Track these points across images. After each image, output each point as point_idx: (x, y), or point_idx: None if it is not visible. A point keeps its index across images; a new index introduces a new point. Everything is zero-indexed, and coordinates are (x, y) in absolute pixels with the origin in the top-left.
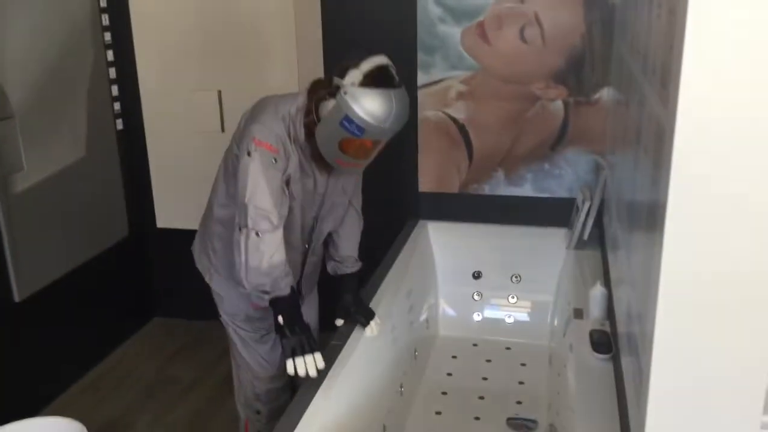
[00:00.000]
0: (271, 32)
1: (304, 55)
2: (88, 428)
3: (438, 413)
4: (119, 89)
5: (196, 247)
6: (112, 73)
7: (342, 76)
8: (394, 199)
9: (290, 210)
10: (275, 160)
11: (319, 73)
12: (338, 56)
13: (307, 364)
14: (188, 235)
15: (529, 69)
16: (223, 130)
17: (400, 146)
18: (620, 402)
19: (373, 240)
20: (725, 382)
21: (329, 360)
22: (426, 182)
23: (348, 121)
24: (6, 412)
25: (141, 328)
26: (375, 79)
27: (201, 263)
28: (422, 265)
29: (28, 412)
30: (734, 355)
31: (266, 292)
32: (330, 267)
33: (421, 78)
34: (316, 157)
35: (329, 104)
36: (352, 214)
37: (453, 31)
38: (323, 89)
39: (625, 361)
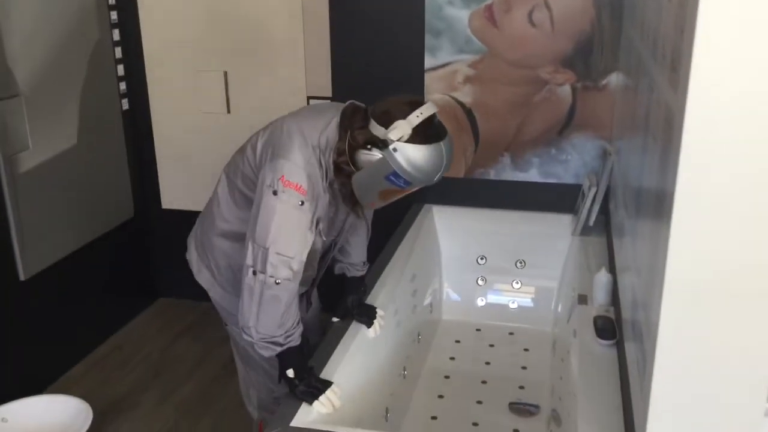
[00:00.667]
0: (278, 12)
1: (311, 36)
2: (93, 407)
3: (440, 397)
4: (125, 69)
5: (194, 258)
6: (118, 52)
7: (386, 125)
8: None
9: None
10: (303, 202)
11: (325, 54)
12: (345, 37)
13: (326, 404)
14: (193, 216)
15: (538, 53)
16: (228, 111)
17: None
18: (623, 388)
19: (378, 224)
20: (729, 369)
21: (333, 342)
22: None
23: (395, 176)
24: (12, 391)
25: (146, 308)
26: (426, 135)
27: (202, 277)
28: (427, 250)
29: (33, 391)
30: (739, 343)
31: (279, 344)
32: (337, 267)
33: (428, 61)
34: (346, 197)
35: (373, 155)
36: (362, 224)
37: (461, 14)
38: (359, 131)
39: (629, 348)
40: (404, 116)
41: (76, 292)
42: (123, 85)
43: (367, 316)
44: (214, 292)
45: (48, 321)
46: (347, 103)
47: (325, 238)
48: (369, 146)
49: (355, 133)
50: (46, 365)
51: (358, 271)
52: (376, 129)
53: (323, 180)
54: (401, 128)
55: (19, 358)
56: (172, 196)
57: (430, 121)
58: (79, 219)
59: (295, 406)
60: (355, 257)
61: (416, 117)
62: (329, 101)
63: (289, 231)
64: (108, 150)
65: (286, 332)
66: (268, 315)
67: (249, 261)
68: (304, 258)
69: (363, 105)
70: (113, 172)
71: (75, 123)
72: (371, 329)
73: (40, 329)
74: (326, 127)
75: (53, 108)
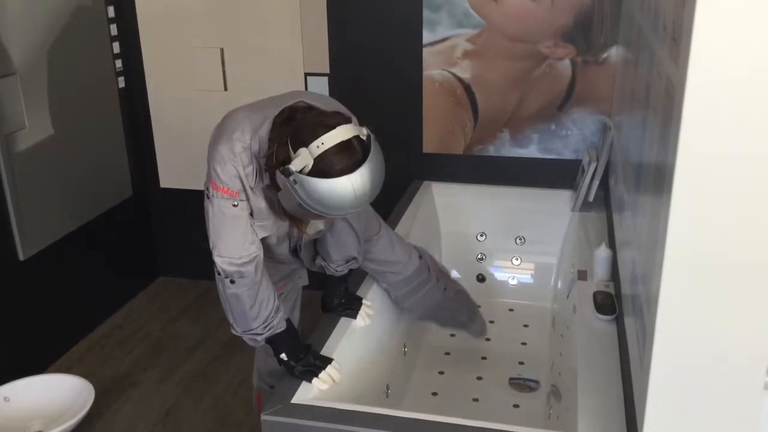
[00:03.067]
0: None
1: (308, 11)
2: (93, 386)
3: (441, 373)
4: (121, 46)
5: None
6: (114, 30)
7: (295, 148)
8: (398, 160)
9: (266, 244)
10: (235, 204)
11: (322, 30)
12: (342, 12)
13: (326, 380)
14: (191, 195)
15: (537, 27)
16: (225, 88)
17: (404, 106)
18: (623, 363)
19: (376, 201)
20: (729, 342)
21: (333, 320)
22: (430, 143)
23: (307, 205)
24: (13, 370)
25: (146, 287)
26: (329, 166)
27: None
28: (426, 227)
29: (34, 370)
30: (739, 316)
31: (259, 334)
32: (317, 262)
33: (426, 36)
34: (280, 210)
35: (282, 178)
36: (343, 227)
37: None
38: (281, 147)
39: (629, 323)
40: (308, 145)
41: (75, 272)
42: (119, 63)
43: (352, 308)
44: None
45: (48, 301)
46: (293, 100)
47: (275, 241)
48: (281, 168)
49: (276, 150)
50: (46, 345)
51: (336, 271)
52: (288, 151)
53: (257, 181)
54: (303, 158)
55: (20, 338)
56: (170, 175)
57: (342, 148)
58: (77, 198)
59: (295, 384)
60: (333, 256)
61: (317, 147)
62: (294, 91)
63: (225, 233)
64: (105, 129)
65: (263, 323)
66: (237, 311)
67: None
68: (252, 255)
69: (307, 105)
70: (110, 150)
71: (71, 102)
72: (359, 319)
73: (40, 309)
74: (260, 128)
75: (49, 87)
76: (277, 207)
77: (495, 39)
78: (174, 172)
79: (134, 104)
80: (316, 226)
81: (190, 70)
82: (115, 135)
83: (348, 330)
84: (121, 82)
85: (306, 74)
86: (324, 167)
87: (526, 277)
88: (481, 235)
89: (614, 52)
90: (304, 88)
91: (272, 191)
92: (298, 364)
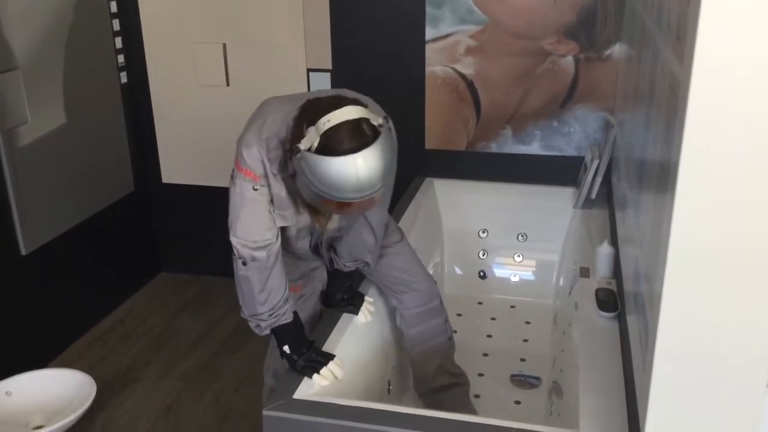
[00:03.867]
0: None
1: (310, 6)
2: (95, 380)
3: None
4: (123, 41)
5: None
6: (116, 24)
7: (306, 127)
8: (401, 157)
9: (287, 236)
10: (256, 188)
11: (325, 26)
12: (345, 7)
13: (327, 376)
14: (193, 191)
15: (540, 23)
16: (228, 83)
17: (407, 103)
18: (625, 360)
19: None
20: (732, 340)
21: (334, 316)
22: (433, 139)
23: (313, 185)
24: (15, 365)
25: (148, 282)
26: (333, 143)
27: None
28: (428, 223)
29: (36, 365)
30: (742, 314)
31: (263, 320)
32: (328, 253)
33: (429, 32)
34: (300, 198)
35: (294, 159)
36: (361, 224)
37: None
38: (296, 129)
39: (631, 320)
40: (315, 123)
41: (77, 267)
42: (121, 59)
43: (354, 304)
44: None
45: (49, 295)
46: (328, 92)
47: (294, 233)
48: (289, 154)
49: (293, 132)
50: (48, 339)
51: (345, 266)
52: (301, 133)
53: (280, 169)
54: (310, 135)
55: (22, 333)
56: (172, 170)
57: (349, 128)
58: (79, 193)
59: (297, 380)
60: (346, 252)
61: (324, 123)
62: (336, 89)
63: (243, 215)
64: (107, 123)
65: (270, 310)
66: (246, 294)
67: None
68: (267, 241)
69: (334, 96)
70: (112, 145)
71: (74, 96)
72: (360, 316)
73: (42, 304)
74: (288, 116)
75: (52, 81)
76: (297, 196)
77: (498, 35)
78: (176, 168)
79: (136, 99)
80: (335, 222)
81: (192, 65)
82: (117, 130)
83: (350, 326)
84: (124, 78)
85: (308, 70)
86: (328, 144)
87: (527, 274)
88: (483, 232)
89: (617, 49)
90: (306, 85)
91: (294, 180)
92: (300, 359)
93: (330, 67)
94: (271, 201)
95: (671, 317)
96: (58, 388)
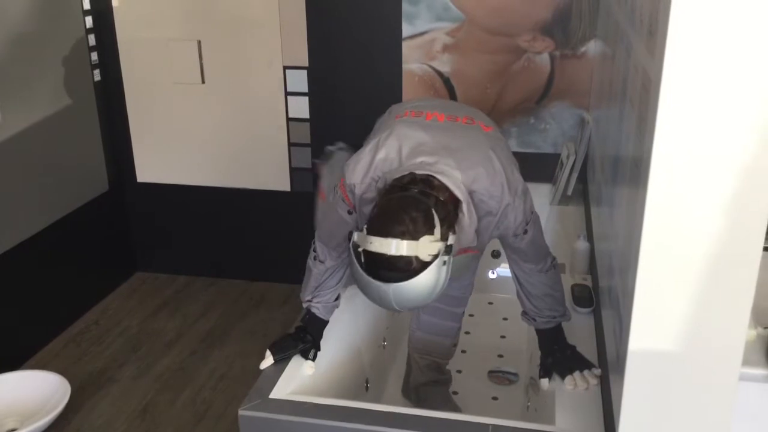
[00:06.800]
0: None
1: (286, 4)
2: (70, 382)
3: None
4: (96, 39)
5: None
6: (89, 22)
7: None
8: None
9: None
10: (349, 212)
11: (301, 23)
12: (321, 4)
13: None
14: (169, 190)
15: (516, 21)
16: (203, 81)
17: (384, 100)
18: (600, 355)
19: None
20: (705, 334)
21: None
22: None
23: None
24: None
25: (123, 282)
26: (365, 260)
27: None
28: None
29: (9, 367)
30: (715, 309)
31: (306, 301)
32: None
33: (406, 29)
34: None
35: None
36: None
37: None
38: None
39: (606, 315)
40: (367, 231)
41: (50, 268)
42: (94, 56)
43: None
44: None
45: (23, 297)
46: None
47: None
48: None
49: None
50: (22, 341)
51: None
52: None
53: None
54: (360, 238)
55: None
56: (148, 169)
57: (372, 257)
58: (51, 193)
59: (273, 379)
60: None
61: (364, 240)
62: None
63: (326, 220)
64: (80, 122)
65: (312, 299)
66: (306, 279)
67: None
68: (333, 251)
69: (425, 179)
70: (86, 144)
71: (46, 95)
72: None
73: (15, 305)
74: (399, 165)
75: (24, 80)
76: None
77: (474, 33)
78: (151, 167)
79: (110, 97)
80: None
81: (166, 62)
82: (91, 129)
83: (328, 325)
84: (97, 75)
85: (285, 67)
86: (362, 260)
87: (504, 270)
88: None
89: (592, 46)
90: (282, 82)
91: None
92: (300, 341)
93: (306, 64)
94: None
95: (644, 311)
96: (31, 390)
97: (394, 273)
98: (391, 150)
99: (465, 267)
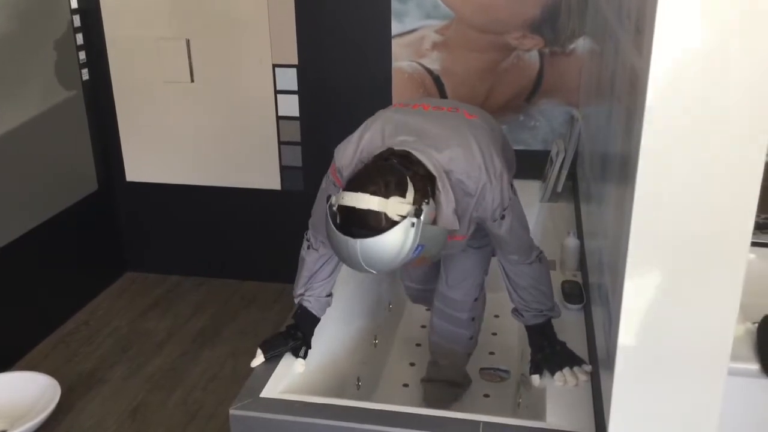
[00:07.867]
0: None
1: (275, 1)
2: (60, 383)
3: (412, 364)
4: (84, 38)
5: None
6: (77, 20)
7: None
8: None
9: None
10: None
11: (291, 21)
12: (310, 2)
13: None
14: (158, 189)
15: (505, 18)
16: (192, 80)
17: (374, 98)
18: (590, 351)
19: None
20: (693, 331)
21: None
22: None
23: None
24: None
25: (113, 282)
26: (339, 219)
27: None
28: None
29: None
30: (703, 305)
31: (298, 294)
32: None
33: (395, 27)
34: None
35: None
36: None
37: None
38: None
39: (596, 311)
40: (342, 188)
41: (39, 268)
42: (82, 55)
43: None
44: None
45: (12, 298)
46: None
47: None
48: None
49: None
50: (11, 342)
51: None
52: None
53: None
54: (338, 196)
55: None
56: (137, 169)
57: (344, 211)
58: (40, 193)
59: (264, 378)
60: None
61: (339, 197)
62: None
63: (318, 205)
64: (69, 122)
65: (305, 292)
66: (299, 271)
67: None
68: (320, 234)
69: (403, 153)
70: (75, 144)
71: (34, 94)
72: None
73: (4, 306)
74: (382, 144)
75: (11, 79)
76: None
77: (463, 30)
78: (141, 166)
79: (99, 96)
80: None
81: (155, 61)
82: (79, 128)
83: (318, 323)
84: (85, 74)
85: (274, 66)
86: (336, 216)
87: (495, 267)
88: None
89: (581, 44)
90: (272, 80)
91: None
92: (291, 339)
93: (296, 62)
94: None
95: (633, 307)
96: (21, 392)
97: (363, 230)
98: (376, 132)
99: (450, 251)
